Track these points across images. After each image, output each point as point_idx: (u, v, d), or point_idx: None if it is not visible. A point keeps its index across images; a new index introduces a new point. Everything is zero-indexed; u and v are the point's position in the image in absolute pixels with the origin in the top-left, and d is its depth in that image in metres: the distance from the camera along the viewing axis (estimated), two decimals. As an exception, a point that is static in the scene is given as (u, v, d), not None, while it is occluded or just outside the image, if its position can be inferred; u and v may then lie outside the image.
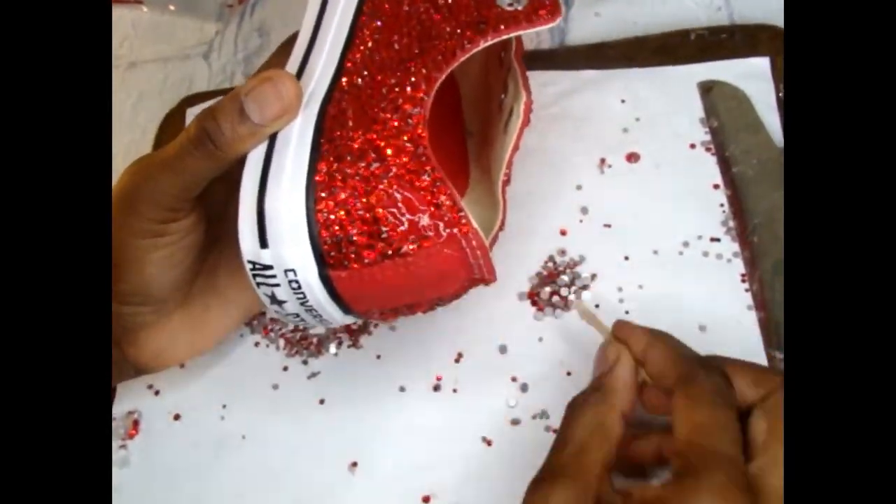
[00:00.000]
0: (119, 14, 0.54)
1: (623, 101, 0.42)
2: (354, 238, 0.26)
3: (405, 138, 0.27)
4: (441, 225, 0.26)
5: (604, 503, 0.25)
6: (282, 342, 0.38)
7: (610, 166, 0.41)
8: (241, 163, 0.29)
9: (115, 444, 0.37)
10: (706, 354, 0.29)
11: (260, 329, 0.39)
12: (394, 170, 0.27)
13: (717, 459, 0.24)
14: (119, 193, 0.30)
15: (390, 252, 0.26)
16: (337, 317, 0.29)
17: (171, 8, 0.54)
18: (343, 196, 0.27)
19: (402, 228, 0.26)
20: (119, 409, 0.38)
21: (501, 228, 0.33)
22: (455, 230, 0.26)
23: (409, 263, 0.27)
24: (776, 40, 0.43)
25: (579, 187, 0.40)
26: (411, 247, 0.26)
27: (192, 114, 0.47)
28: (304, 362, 0.38)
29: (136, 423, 0.37)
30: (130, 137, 0.49)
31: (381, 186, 0.26)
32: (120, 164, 0.48)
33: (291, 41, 0.33)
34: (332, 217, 0.26)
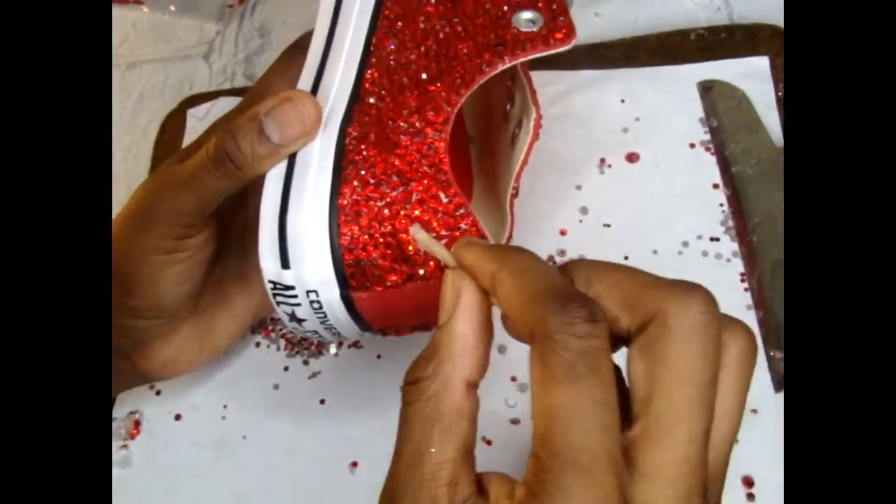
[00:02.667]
0: (119, 14, 0.54)
1: (623, 101, 0.42)
2: (378, 261, 0.27)
3: (427, 163, 0.27)
4: None
5: None
6: (282, 342, 0.38)
7: (610, 166, 0.41)
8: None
9: (117, 444, 0.37)
10: (568, 261, 0.22)
11: (261, 329, 0.39)
12: (415, 195, 0.27)
13: (577, 473, 0.17)
14: (134, 211, 0.30)
15: (412, 275, 0.27)
16: (354, 333, 0.29)
17: (172, 8, 0.54)
18: (366, 221, 0.27)
19: (424, 252, 0.26)
20: (120, 409, 0.38)
21: (509, 239, 0.33)
22: None
23: (430, 286, 0.27)
24: (776, 39, 0.43)
25: (579, 187, 0.40)
26: (434, 270, 0.27)
27: (192, 115, 0.47)
28: (305, 362, 0.38)
29: (137, 424, 0.37)
30: (130, 138, 0.49)
31: (404, 211, 0.27)
32: (120, 164, 0.48)
33: (292, 49, 0.33)
34: (356, 240, 0.27)
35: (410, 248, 0.27)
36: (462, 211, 0.27)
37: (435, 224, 0.27)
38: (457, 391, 0.20)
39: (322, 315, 0.28)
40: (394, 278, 0.27)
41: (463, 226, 0.27)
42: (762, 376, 0.34)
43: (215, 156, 0.28)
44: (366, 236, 0.27)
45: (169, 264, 0.30)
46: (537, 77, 0.44)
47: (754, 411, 0.33)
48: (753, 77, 0.42)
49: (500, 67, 0.29)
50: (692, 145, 0.41)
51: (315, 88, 0.30)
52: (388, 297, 0.27)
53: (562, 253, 0.38)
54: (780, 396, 0.33)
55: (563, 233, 0.39)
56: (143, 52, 0.53)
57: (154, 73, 0.52)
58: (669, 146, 0.41)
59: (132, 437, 0.37)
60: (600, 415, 0.18)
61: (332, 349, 0.38)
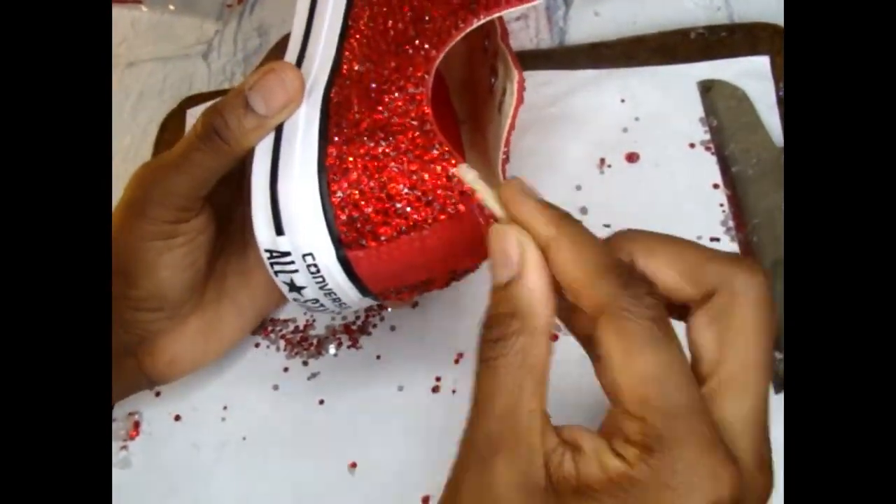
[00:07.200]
0: (118, 14, 0.54)
1: (623, 101, 0.42)
2: (370, 216, 0.27)
3: (411, 116, 0.28)
4: (454, 198, 0.27)
5: (552, 471, 0.21)
6: (282, 343, 0.38)
7: (610, 166, 0.41)
8: (244, 166, 0.29)
9: (116, 445, 0.37)
10: (620, 231, 0.23)
11: (260, 330, 0.39)
12: (403, 146, 0.27)
13: (686, 423, 0.20)
14: (129, 198, 0.30)
15: (405, 227, 0.27)
16: (355, 298, 0.29)
17: (171, 7, 0.54)
18: (355, 176, 0.27)
19: (416, 203, 0.27)
20: (120, 410, 0.38)
21: None
22: (469, 202, 0.27)
23: (424, 237, 0.27)
24: (776, 38, 0.43)
25: (579, 187, 0.40)
26: (426, 220, 0.27)
27: (192, 115, 0.47)
28: (305, 363, 0.38)
29: (137, 425, 0.37)
30: (130, 138, 0.49)
31: (392, 164, 0.27)
32: (119, 164, 0.48)
33: (283, 44, 0.33)
34: (347, 197, 0.27)
35: (400, 201, 0.27)
36: (449, 157, 0.27)
37: (426, 176, 0.27)
38: (543, 343, 0.21)
39: (320, 279, 0.28)
40: (387, 231, 0.27)
41: (451, 171, 0.27)
42: (762, 376, 0.34)
43: (203, 132, 0.29)
44: (356, 192, 0.27)
45: (167, 250, 0.30)
46: (537, 77, 0.44)
47: (754, 412, 0.33)
48: (754, 76, 0.42)
49: (475, 23, 0.30)
50: (692, 145, 0.41)
51: (299, 63, 0.31)
52: (384, 252, 0.27)
53: (561, 253, 0.38)
54: (780, 397, 0.33)
55: (562, 233, 0.39)
56: (142, 51, 0.53)
57: (153, 72, 0.52)
58: (669, 146, 0.41)
59: (132, 438, 0.37)
60: (687, 371, 0.20)
61: (332, 350, 0.38)
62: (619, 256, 0.22)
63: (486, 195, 0.25)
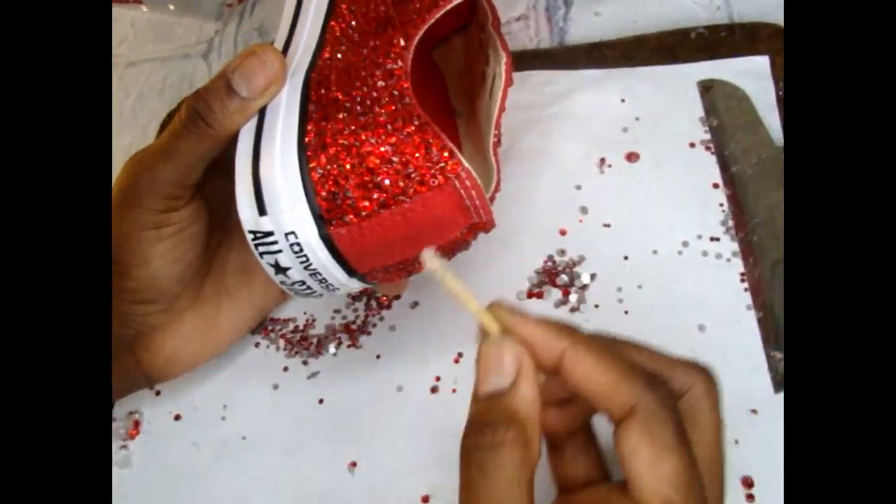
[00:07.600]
0: (118, 13, 0.54)
1: (623, 101, 0.42)
2: (350, 192, 0.27)
3: (389, 90, 0.28)
4: (433, 168, 0.27)
5: None
6: (282, 342, 0.38)
7: (610, 166, 0.41)
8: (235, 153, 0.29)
9: (116, 444, 0.37)
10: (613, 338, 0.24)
11: (260, 330, 0.39)
12: (381, 119, 0.27)
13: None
14: (118, 188, 0.30)
15: (385, 200, 0.27)
16: (342, 279, 0.29)
17: (171, 7, 0.54)
18: (334, 151, 0.27)
19: (395, 176, 0.27)
20: (120, 409, 0.38)
21: (497, 189, 0.33)
22: (448, 172, 0.27)
23: (405, 211, 0.27)
24: (776, 38, 0.43)
25: (579, 187, 0.40)
26: (405, 192, 0.27)
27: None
28: (304, 362, 0.38)
29: (136, 424, 0.37)
30: (130, 137, 0.49)
31: (370, 137, 0.27)
32: (120, 164, 0.48)
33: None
34: (326, 173, 0.27)
35: (380, 174, 0.27)
36: (427, 129, 0.27)
37: (405, 149, 0.27)
38: (536, 452, 0.22)
39: (304, 259, 0.28)
40: (367, 206, 0.27)
41: (431, 144, 0.27)
42: (762, 377, 0.34)
43: (187, 118, 0.29)
44: (336, 167, 0.27)
45: (158, 240, 0.30)
46: (537, 77, 0.44)
47: (754, 412, 0.33)
48: (754, 76, 0.42)
49: (455, 0, 0.30)
50: (692, 145, 0.41)
51: (286, 49, 0.31)
52: (366, 228, 0.27)
53: (562, 252, 0.38)
54: (780, 396, 0.33)
55: (563, 233, 0.39)
56: (142, 51, 0.53)
57: (153, 72, 0.52)
58: (669, 146, 0.41)
59: (132, 437, 0.37)
60: (699, 475, 0.21)
61: (332, 349, 0.38)
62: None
63: (465, 297, 0.24)
